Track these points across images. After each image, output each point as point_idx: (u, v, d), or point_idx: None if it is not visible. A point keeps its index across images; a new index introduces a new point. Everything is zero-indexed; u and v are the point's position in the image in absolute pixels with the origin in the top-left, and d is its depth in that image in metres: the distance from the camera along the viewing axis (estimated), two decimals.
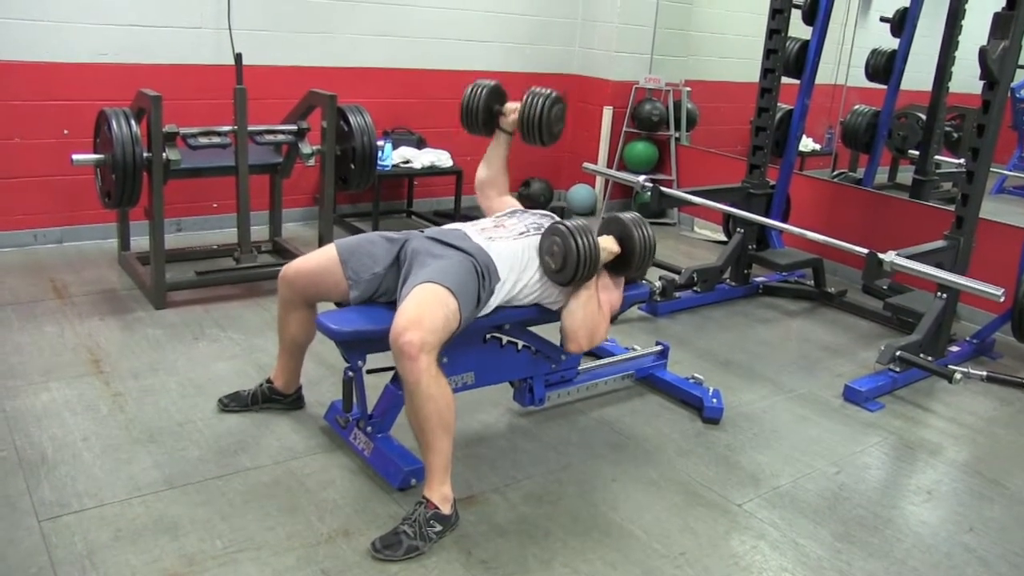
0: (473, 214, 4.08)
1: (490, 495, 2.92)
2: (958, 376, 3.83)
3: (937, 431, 3.73)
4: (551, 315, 3.10)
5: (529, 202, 6.29)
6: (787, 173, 5.53)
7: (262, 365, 3.70)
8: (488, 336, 3.05)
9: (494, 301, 2.89)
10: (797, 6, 5.24)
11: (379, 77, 6.07)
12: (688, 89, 7.06)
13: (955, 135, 6.68)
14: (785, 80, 5.27)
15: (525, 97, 3.42)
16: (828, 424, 3.68)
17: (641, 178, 5.12)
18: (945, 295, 4.21)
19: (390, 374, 2.90)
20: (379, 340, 2.63)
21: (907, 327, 4.50)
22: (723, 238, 5.98)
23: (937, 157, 6.12)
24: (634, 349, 3.94)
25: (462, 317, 2.67)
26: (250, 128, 4.43)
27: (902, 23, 5.95)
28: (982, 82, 3.99)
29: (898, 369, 4.04)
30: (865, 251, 3.98)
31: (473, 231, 3.02)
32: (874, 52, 6.17)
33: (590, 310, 2.97)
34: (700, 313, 4.94)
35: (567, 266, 2.85)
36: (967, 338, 4.57)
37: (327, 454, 3.09)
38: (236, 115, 4.36)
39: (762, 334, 4.71)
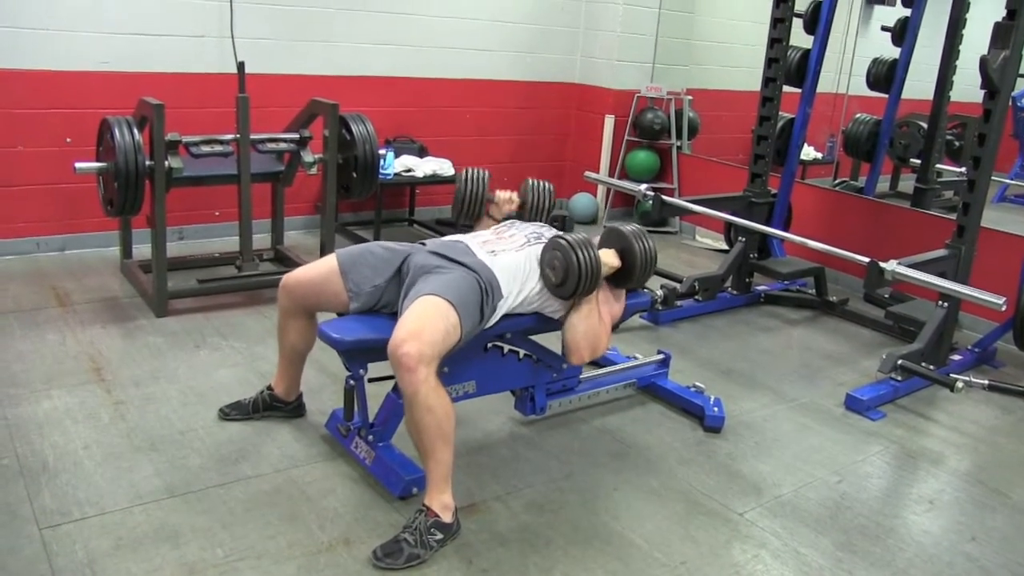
0: None
1: (491, 503, 2.92)
2: (960, 385, 3.83)
3: (939, 440, 3.72)
4: (552, 324, 3.10)
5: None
6: (788, 182, 5.54)
7: (263, 373, 3.70)
8: (489, 345, 3.05)
9: (497, 316, 2.90)
10: (798, 15, 5.25)
11: (381, 86, 6.08)
12: (690, 98, 7.07)
13: (956, 144, 6.69)
14: (787, 89, 5.28)
15: (529, 196, 3.54)
16: (830, 433, 3.68)
17: (643, 187, 5.13)
18: (947, 304, 4.21)
19: (391, 383, 2.90)
20: (381, 349, 2.63)
21: (909, 336, 4.49)
22: (724, 247, 5.98)
23: (938, 166, 6.13)
24: (635, 358, 3.94)
25: (463, 331, 2.67)
26: (252, 136, 4.44)
27: (903, 32, 5.96)
28: (983, 91, 3.99)
29: (900, 378, 4.03)
30: (866, 260, 3.98)
31: (475, 244, 3.02)
32: (875, 61, 6.18)
33: (592, 323, 2.98)
34: (702, 322, 4.94)
35: (568, 280, 2.86)
36: (969, 347, 4.57)
37: (328, 462, 3.09)
38: (238, 123, 4.37)
39: (764, 343, 4.71)
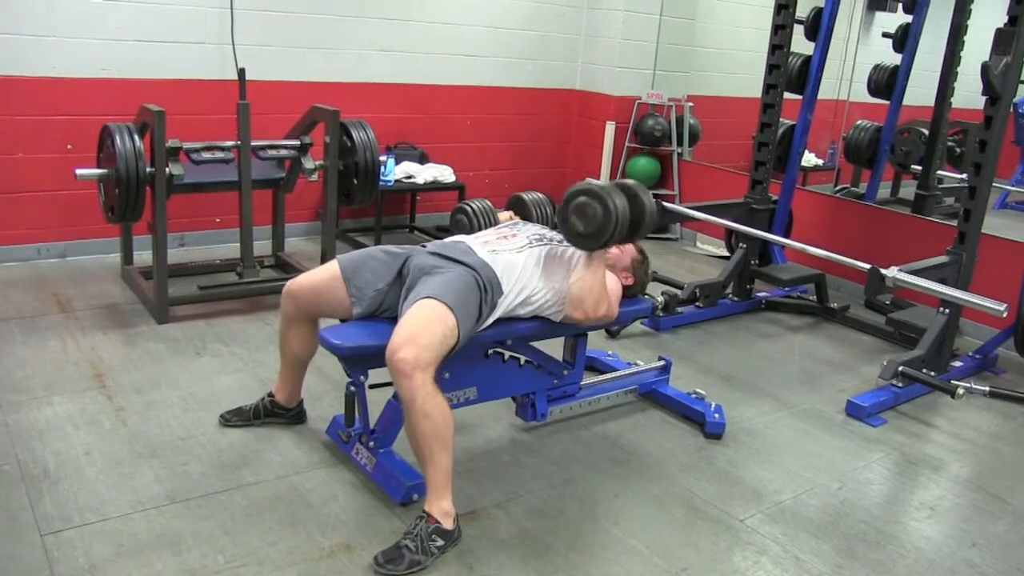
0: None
1: (492, 510, 2.92)
2: (961, 391, 3.83)
3: (940, 446, 3.72)
4: (553, 330, 3.10)
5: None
6: (789, 188, 5.55)
7: (264, 379, 3.70)
8: (490, 351, 3.05)
9: (496, 314, 2.90)
10: (799, 22, 5.26)
11: (382, 92, 6.09)
12: (690, 104, 7.08)
13: (957, 150, 6.69)
14: (787, 95, 5.28)
15: (531, 212, 3.56)
16: (830, 439, 3.68)
17: None
18: (948, 310, 4.21)
19: (392, 389, 2.90)
20: (381, 355, 2.62)
21: (910, 342, 4.49)
22: (725, 253, 5.99)
23: (939, 172, 6.13)
24: (636, 364, 3.94)
25: (461, 333, 2.67)
26: (253, 143, 4.45)
27: (904, 39, 5.98)
28: (984, 97, 3.99)
29: (901, 384, 4.03)
30: (867, 266, 3.98)
31: (476, 244, 3.02)
32: (876, 67, 6.20)
33: (599, 277, 2.95)
34: (702, 328, 4.94)
35: (603, 231, 2.82)
36: (970, 353, 4.56)
37: (329, 469, 3.09)
38: (239, 130, 4.38)
39: (764, 349, 4.71)
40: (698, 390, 3.79)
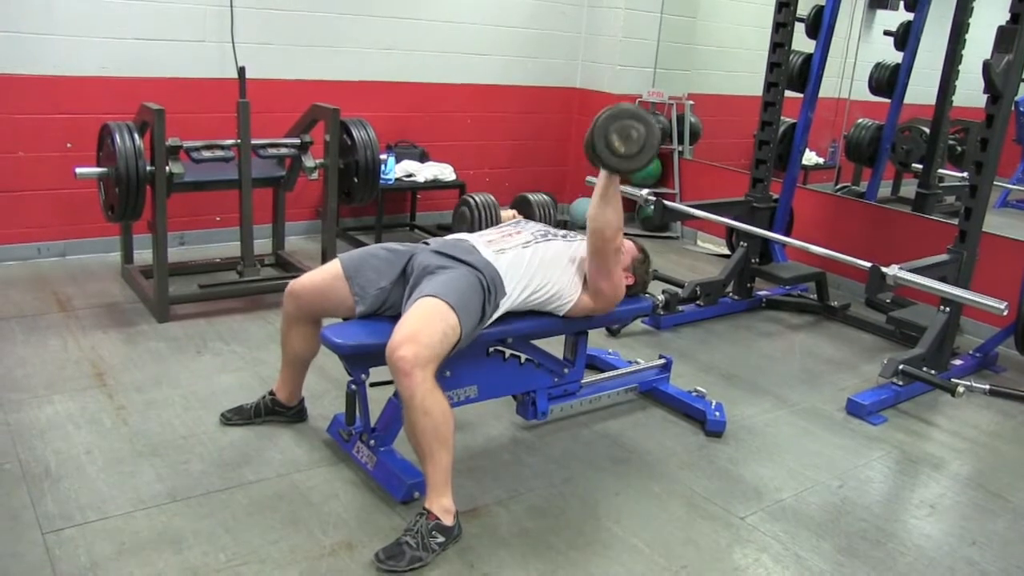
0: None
1: (493, 507, 2.92)
2: (961, 390, 3.83)
3: (940, 444, 3.72)
4: (554, 328, 3.11)
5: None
6: (790, 187, 5.55)
7: (265, 378, 3.70)
8: (491, 349, 3.05)
9: (499, 313, 2.90)
10: (801, 20, 5.26)
11: (382, 91, 6.09)
12: (691, 103, 7.08)
13: (959, 149, 6.69)
14: (788, 94, 5.28)
15: (535, 212, 3.60)
16: (831, 437, 3.68)
17: (644, 192, 5.12)
18: (948, 309, 4.21)
19: (393, 387, 2.90)
20: (382, 353, 2.62)
21: (910, 341, 4.49)
22: (726, 252, 5.99)
23: (940, 171, 6.13)
24: (637, 362, 3.94)
25: (462, 332, 2.67)
26: (253, 141, 4.45)
27: (906, 37, 5.98)
28: (986, 95, 3.99)
29: (901, 383, 4.03)
30: (868, 265, 3.98)
31: (480, 243, 3.02)
32: (878, 66, 6.19)
33: (619, 207, 2.94)
34: (703, 327, 4.94)
35: (646, 150, 2.86)
36: (970, 352, 4.56)
37: (330, 467, 3.09)
38: (239, 128, 4.38)
39: (765, 348, 4.71)
40: (699, 388, 3.79)
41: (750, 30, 7.27)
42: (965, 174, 5.29)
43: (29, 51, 4.78)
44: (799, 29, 5.25)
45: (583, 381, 3.54)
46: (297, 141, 4.60)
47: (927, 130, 6.02)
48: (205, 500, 2.83)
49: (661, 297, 4.78)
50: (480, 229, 3.39)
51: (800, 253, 5.04)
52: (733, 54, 7.59)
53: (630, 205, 7.03)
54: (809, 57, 5.39)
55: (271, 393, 3.35)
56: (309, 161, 4.58)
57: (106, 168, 4.09)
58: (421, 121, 6.35)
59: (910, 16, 5.93)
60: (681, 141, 6.99)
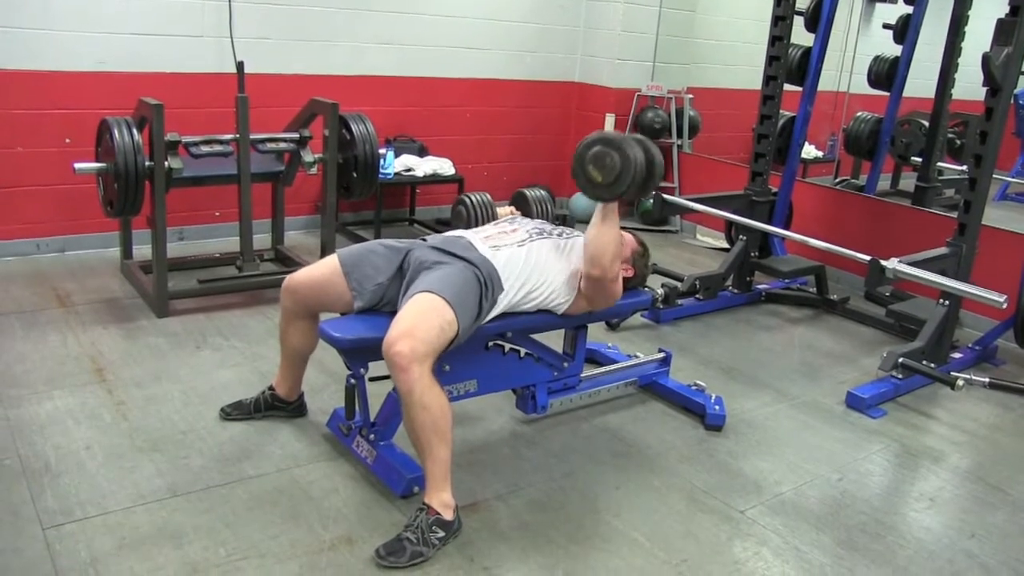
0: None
1: (493, 502, 2.92)
2: (961, 383, 3.83)
3: (940, 438, 3.72)
4: (553, 322, 3.11)
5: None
6: (789, 180, 5.54)
7: (264, 373, 3.70)
8: (490, 344, 3.05)
9: (496, 310, 2.90)
10: (799, 13, 5.25)
11: (381, 85, 6.08)
12: (690, 96, 7.07)
13: (958, 142, 6.69)
14: (787, 87, 5.28)
15: (532, 209, 3.56)
16: (831, 431, 3.68)
17: None
18: (947, 302, 4.21)
19: (392, 382, 2.90)
20: (381, 348, 2.62)
21: (910, 334, 4.49)
22: (725, 245, 5.99)
23: (940, 164, 6.13)
24: (636, 356, 3.94)
25: (459, 328, 2.67)
26: (252, 136, 4.44)
27: (905, 30, 5.97)
28: (985, 89, 3.99)
29: (901, 376, 4.04)
30: (867, 258, 3.97)
31: (477, 239, 3.02)
32: (877, 59, 6.18)
33: (616, 234, 2.94)
34: (702, 320, 4.94)
35: (621, 180, 2.81)
36: (969, 345, 4.57)
37: (330, 462, 3.09)
38: (238, 123, 4.37)
39: (764, 341, 4.71)
40: (698, 382, 3.80)
41: (749, 23, 7.26)
42: (964, 167, 5.29)
43: (27, 46, 4.76)
44: (798, 22, 5.24)
45: (582, 375, 3.55)
46: (296, 136, 4.60)
47: (926, 123, 6.02)
48: (205, 495, 2.83)
49: (660, 291, 4.78)
50: (476, 227, 3.38)
51: (799, 247, 5.04)
52: (732, 48, 7.59)
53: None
54: (808, 50, 5.39)
55: (270, 388, 3.35)
56: (308, 156, 4.58)
57: (105, 163, 4.09)
58: (420, 116, 6.35)
59: (909, 9, 5.92)
60: (680, 135, 6.99)
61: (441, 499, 2.64)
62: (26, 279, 4.69)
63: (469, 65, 6.47)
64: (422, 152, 6.23)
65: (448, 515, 2.65)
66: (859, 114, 6.39)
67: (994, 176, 4.28)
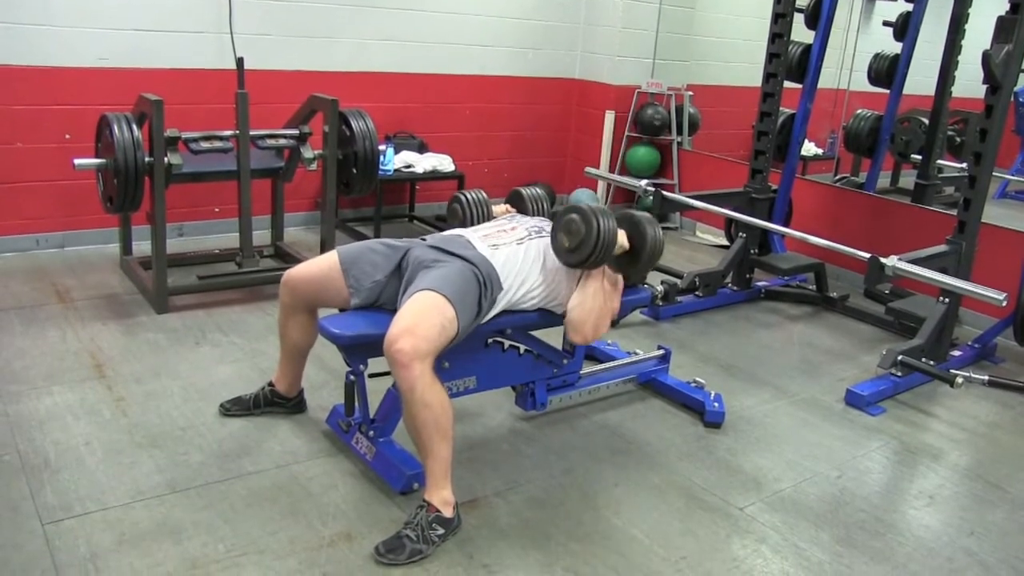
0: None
1: (492, 499, 2.92)
2: (960, 380, 3.83)
3: (939, 435, 3.72)
4: (553, 320, 3.10)
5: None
6: (789, 177, 5.54)
7: (264, 369, 3.70)
8: (490, 341, 3.05)
9: (496, 309, 2.90)
10: (800, 10, 5.25)
11: (381, 81, 6.07)
12: (690, 93, 7.07)
13: (958, 139, 6.69)
14: (787, 84, 5.27)
15: (528, 207, 3.53)
16: (830, 428, 3.68)
17: (643, 182, 5.12)
18: (947, 299, 4.21)
19: (392, 378, 2.90)
20: (381, 344, 2.62)
21: (909, 331, 4.49)
22: (725, 242, 5.99)
23: (940, 162, 6.13)
24: (636, 353, 3.94)
25: (459, 325, 2.67)
26: (252, 133, 4.44)
27: (905, 27, 5.96)
28: (985, 86, 3.98)
29: (900, 373, 4.04)
30: (867, 255, 3.98)
31: (476, 238, 3.02)
32: (877, 56, 6.18)
33: (597, 302, 2.95)
34: (702, 317, 4.94)
35: (583, 246, 2.83)
36: (969, 342, 4.57)
37: (329, 458, 3.09)
38: (238, 119, 4.37)
39: (764, 338, 4.71)
40: (698, 379, 3.80)
41: (749, 20, 7.26)
42: (964, 165, 5.29)
43: (27, 42, 4.76)
44: (798, 19, 5.24)
45: (582, 372, 3.55)
46: (296, 132, 4.59)
47: (926, 121, 6.01)
48: (204, 491, 2.83)
49: (660, 288, 4.77)
50: (472, 225, 3.38)
51: (799, 244, 5.04)
52: (732, 45, 7.58)
53: (629, 196, 7.05)
54: (808, 47, 5.38)
55: (270, 384, 3.35)
56: (308, 152, 4.58)
57: (105, 159, 4.09)
58: (420, 112, 6.34)
59: (909, 6, 5.92)
60: (680, 132, 6.98)
61: (441, 496, 2.65)
62: (25, 275, 4.69)
63: (469, 62, 6.47)
64: (422, 149, 6.23)
65: (448, 512, 2.65)
66: (859, 111, 6.39)
67: (994, 174, 4.28)
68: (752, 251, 5.24)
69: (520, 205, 3.55)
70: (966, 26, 5.51)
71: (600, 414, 3.61)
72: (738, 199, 5.23)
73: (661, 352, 3.90)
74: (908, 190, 6.21)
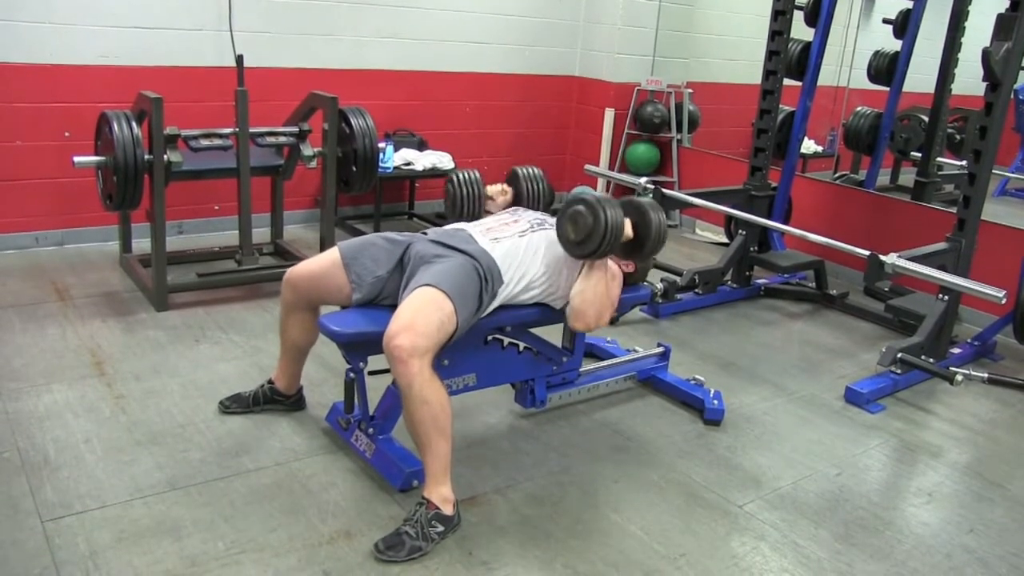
0: None
1: (492, 496, 2.92)
2: (959, 378, 3.83)
3: (938, 433, 3.72)
4: (553, 316, 3.10)
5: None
6: (789, 175, 5.54)
7: (263, 367, 3.70)
8: (489, 338, 3.05)
9: (496, 302, 2.90)
10: (799, 8, 5.24)
11: (381, 79, 6.07)
12: (690, 91, 7.07)
13: (957, 137, 6.68)
14: (787, 82, 5.27)
15: (523, 186, 3.52)
16: (829, 426, 3.68)
17: (643, 180, 5.12)
18: (947, 297, 4.21)
19: (391, 375, 2.90)
20: (380, 342, 2.63)
21: (908, 329, 4.49)
22: (725, 240, 5.98)
23: (939, 159, 6.12)
24: (636, 351, 3.94)
25: (459, 321, 2.67)
26: (251, 130, 4.44)
27: (905, 25, 5.96)
28: (985, 84, 3.98)
29: (899, 371, 4.04)
30: (867, 253, 3.98)
31: (477, 232, 3.02)
32: (876, 54, 6.17)
33: (600, 290, 2.94)
34: (701, 315, 4.94)
35: (591, 239, 2.82)
36: (968, 340, 4.57)
37: (329, 455, 3.10)
38: (237, 117, 4.37)
39: (763, 336, 4.71)
40: (697, 376, 3.80)
41: (749, 18, 7.25)
42: (964, 162, 5.29)
43: (27, 39, 4.76)
44: (798, 17, 5.23)
45: (582, 369, 3.55)
46: (295, 130, 4.59)
47: (926, 118, 6.01)
48: (204, 488, 2.83)
49: (660, 285, 4.78)
50: (464, 204, 3.37)
51: (799, 241, 5.04)
52: (732, 42, 7.57)
53: (629, 193, 7.04)
54: (808, 45, 5.38)
55: (270, 381, 3.36)
56: (307, 150, 4.58)
57: (104, 157, 4.09)
58: (420, 110, 6.34)
59: (909, 4, 5.91)
60: (680, 129, 6.98)
61: (440, 493, 2.65)
62: (25, 272, 4.69)
63: (469, 59, 6.47)
64: (421, 146, 6.23)
65: (448, 510, 2.65)
66: (859, 109, 6.38)
67: (994, 171, 4.28)
68: (752, 248, 5.24)
69: (516, 185, 3.54)
70: (966, 23, 5.50)
71: (600, 411, 3.62)
72: (738, 196, 5.23)
73: (661, 349, 3.90)
74: (908, 187, 6.21)
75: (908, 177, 6.38)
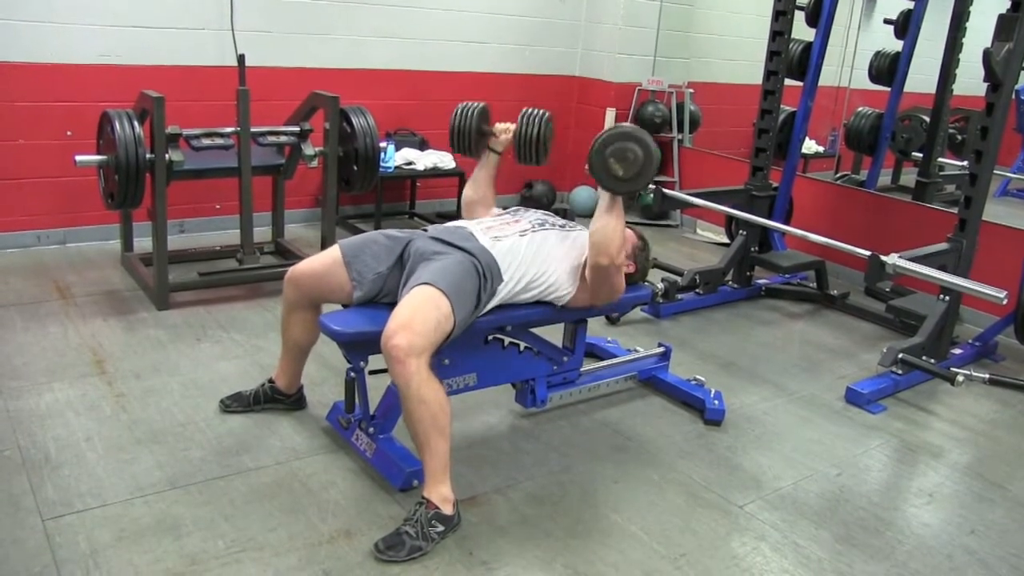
0: None
1: (492, 496, 2.92)
2: (960, 379, 3.83)
3: (939, 433, 3.72)
4: (554, 316, 3.11)
5: (532, 203, 6.31)
6: (790, 175, 5.54)
7: (264, 366, 3.70)
8: (490, 337, 3.05)
9: (495, 301, 2.90)
10: (800, 8, 5.24)
11: (382, 79, 6.07)
12: (691, 91, 7.07)
13: (959, 137, 6.67)
14: (788, 82, 5.27)
15: (521, 119, 3.48)
16: (830, 426, 3.68)
17: None
18: (948, 297, 4.21)
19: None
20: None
21: (909, 329, 4.49)
22: (725, 240, 5.99)
23: (940, 160, 6.12)
24: (636, 351, 3.94)
25: (456, 319, 2.67)
26: (253, 129, 4.44)
27: (906, 25, 5.96)
28: (986, 84, 3.98)
29: (900, 371, 4.04)
30: (867, 253, 3.98)
31: (478, 230, 3.02)
32: (878, 54, 6.17)
33: (620, 225, 2.94)
34: (702, 315, 4.94)
35: (643, 175, 2.86)
36: (969, 340, 4.57)
37: (329, 455, 3.10)
38: (239, 116, 4.37)
39: (764, 336, 4.71)
40: (698, 377, 3.80)
41: (750, 18, 7.25)
42: (965, 163, 5.28)
43: (28, 39, 4.76)
44: (799, 17, 5.23)
45: (582, 369, 3.55)
46: (296, 129, 4.59)
47: (927, 119, 6.01)
48: (204, 487, 2.83)
49: (660, 285, 4.78)
50: (459, 137, 3.43)
51: (799, 242, 5.04)
52: (733, 42, 7.57)
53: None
54: (809, 45, 5.38)
55: (270, 380, 3.36)
56: (308, 149, 4.58)
57: (106, 156, 4.09)
58: (421, 109, 6.34)
59: (910, 4, 5.91)
60: (681, 129, 6.98)
61: (440, 493, 2.65)
62: (27, 271, 4.69)
63: (470, 59, 6.46)
64: (423, 146, 6.23)
65: (447, 509, 2.65)
66: (860, 109, 6.38)
67: (995, 172, 4.28)
68: (752, 249, 5.24)
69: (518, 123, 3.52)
70: (967, 24, 5.50)
71: (600, 411, 3.62)
72: (739, 197, 5.23)
73: (661, 349, 3.90)
74: (909, 188, 6.21)
75: (909, 177, 6.38)
